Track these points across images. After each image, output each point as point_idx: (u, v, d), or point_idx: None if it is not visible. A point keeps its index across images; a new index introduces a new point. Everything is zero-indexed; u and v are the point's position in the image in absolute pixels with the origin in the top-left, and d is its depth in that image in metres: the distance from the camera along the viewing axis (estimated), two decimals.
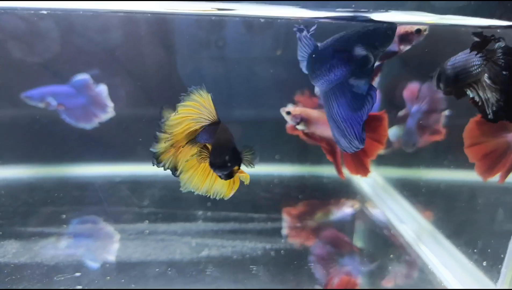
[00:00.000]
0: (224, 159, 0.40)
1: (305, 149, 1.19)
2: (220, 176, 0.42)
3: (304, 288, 0.65)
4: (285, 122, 0.93)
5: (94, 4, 0.53)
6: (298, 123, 0.68)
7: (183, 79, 1.09)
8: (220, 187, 0.46)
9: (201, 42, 1.06)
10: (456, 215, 0.80)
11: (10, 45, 0.91)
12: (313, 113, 0.69)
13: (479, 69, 0.47)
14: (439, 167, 0.87)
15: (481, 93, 0.47)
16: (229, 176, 0.41)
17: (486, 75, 0.46)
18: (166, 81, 1.10)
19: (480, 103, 0.48)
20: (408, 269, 0.75)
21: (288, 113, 0.70)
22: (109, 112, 0.92)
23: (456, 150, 0.79)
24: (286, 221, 0.90)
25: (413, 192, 0.95)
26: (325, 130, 0.67)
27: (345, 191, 1.09)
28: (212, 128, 0.44)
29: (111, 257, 0.72)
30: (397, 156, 1.01)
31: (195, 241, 0.78)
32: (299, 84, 1.12)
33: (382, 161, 1.13)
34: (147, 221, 0.85)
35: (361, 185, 1.11)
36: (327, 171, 1.17)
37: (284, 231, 0.85)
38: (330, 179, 1.15)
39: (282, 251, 0.77)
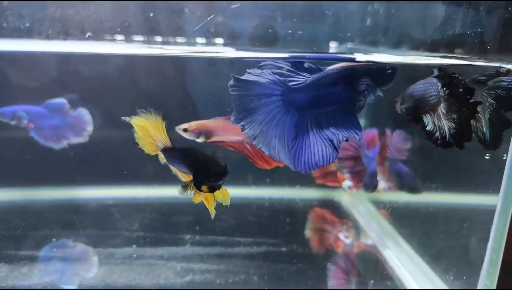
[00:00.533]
0: (221, 169, 0.44)
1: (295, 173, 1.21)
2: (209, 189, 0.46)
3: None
4: None
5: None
6: (198, 137, 0.70)
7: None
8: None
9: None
10: (436, 240, 0.82)
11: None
12: (209, 123, 0.70)
13: (436, 99, 0.50)
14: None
15: (436, 121, 0.50)
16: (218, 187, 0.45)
17: (442, 105, 0.49)
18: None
19: (433, 130, 0.50)
20: None
21: (185, 130, 0.72)
22: (84, 136, 0.94)
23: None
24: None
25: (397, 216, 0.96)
26: (227, 135, 0.68)
27: (337, 214, 1.11)
28: (176, 153, 0.48)
29: (96, 282, 0.73)
30: None
31: (180, 266, 0.80)
32: None
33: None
34: (134, 245, 0.87)
35: (351, 211, 1.13)
36: (316, 194, 1.20)
37: (269, 255, 0.86)
38: (320, 203, 1.17)
39: (265, 276, 0.78)
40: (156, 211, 1.05)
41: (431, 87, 0.51)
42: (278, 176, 1.19)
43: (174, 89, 1.06)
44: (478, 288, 0.65)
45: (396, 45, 0.71)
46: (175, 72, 1.05)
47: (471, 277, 0.65)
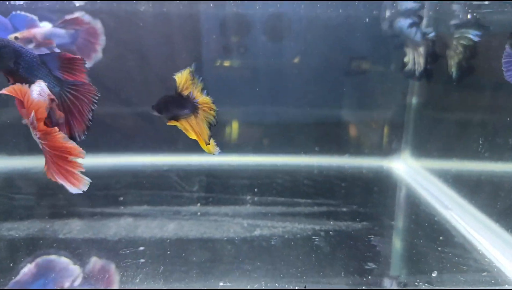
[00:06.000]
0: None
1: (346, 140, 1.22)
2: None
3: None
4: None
5: None
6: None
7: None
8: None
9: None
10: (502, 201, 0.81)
11: None
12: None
13: None
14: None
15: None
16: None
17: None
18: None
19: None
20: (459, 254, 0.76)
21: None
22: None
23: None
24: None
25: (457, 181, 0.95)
26: None
27: (386, 181, 1.11)
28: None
29: (170, 235, 0.75)
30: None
31: (246, 222, 0.81)
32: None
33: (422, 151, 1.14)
34: (198, 204, 0.89)
35: (402, 176, 1.12)
36: (367, 162, 1.19)
37: (331, 214, 0.87)
38: (369, 170, 1.16)
39: (330, 232, 0.79)
40: (211, 175, 1.07)
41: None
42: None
43: None
44: None
45: None
46: None
47: None
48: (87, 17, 0.87)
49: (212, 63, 1.12)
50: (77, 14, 0.86)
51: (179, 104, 0.52)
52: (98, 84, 0.50)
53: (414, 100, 1.16)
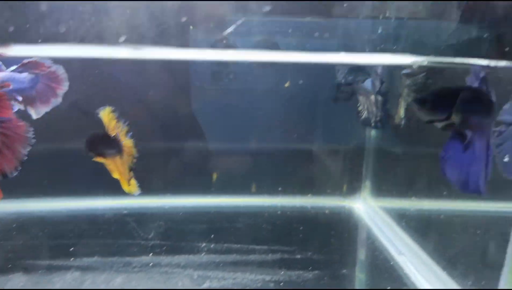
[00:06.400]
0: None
1: (309, 180, 1.22)
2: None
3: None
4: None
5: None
6: None
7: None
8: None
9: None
10: (452, 246, 0.82)
11: None
12: None
13: None
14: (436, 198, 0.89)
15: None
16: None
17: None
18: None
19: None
20: None
21: None
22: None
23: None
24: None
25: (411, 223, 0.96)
26: None
27: (345, 223, 1.11)
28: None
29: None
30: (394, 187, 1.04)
31: (197, 274, 0.81)
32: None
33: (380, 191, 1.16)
34: (151, 253, 0.88)
35: (362, 216, 1.13)
36: (329, 202, 1.20)
37: (284, 262, 0.86)
38: (332, 211, 1.17)
39: (281, 283, 0.78)
40: (170, 220, 1.06)
41: None
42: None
43: None
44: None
45: None
46: None
47: (490, 282, 0.65)
48: (47, 62, 0.88)
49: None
50: (36, 58, 0.87)
51: (107, 143, 0.54)
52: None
53: (373, 134, 1.17)
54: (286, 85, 1.14)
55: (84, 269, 0.81)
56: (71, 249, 0.88)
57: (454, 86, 0.54)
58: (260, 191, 1.20)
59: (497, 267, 0.64)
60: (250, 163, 1.23)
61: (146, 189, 1.14)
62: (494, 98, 0.52)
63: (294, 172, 1.24)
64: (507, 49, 0.56)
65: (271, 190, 1.20)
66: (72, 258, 0.85)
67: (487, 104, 0.52)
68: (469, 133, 0.51)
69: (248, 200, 1.18)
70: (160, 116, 1.14)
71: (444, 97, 0.53)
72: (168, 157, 1.17)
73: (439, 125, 0.54)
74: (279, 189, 1.20)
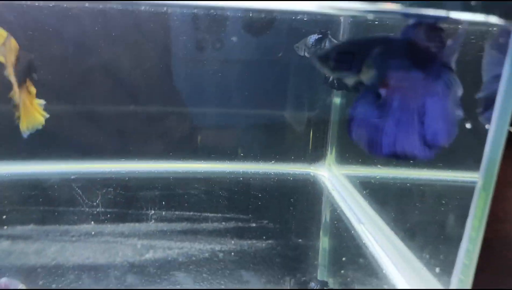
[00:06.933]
0: None
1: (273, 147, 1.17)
2: None
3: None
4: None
5: None
6: None
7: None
8: None
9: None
10: (412, 216, 0.78)
11: None
12: None
13: None
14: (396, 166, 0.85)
15: None
16: None
17: None
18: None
19: None
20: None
21: None
22: None
23: None
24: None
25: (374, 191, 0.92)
26: None
27: (307, 191, 1.06)
28: None
29: (45, 262, 0.68)
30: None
31: (140, 243, 0.75)
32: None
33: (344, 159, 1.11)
34: (92, 222, 0.81)
35: (326, 184, 1.08)
36: (293, 169, 1.15)
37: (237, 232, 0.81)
38: (296, 178, 1.12)
39: (231, 253, 0.73)
40: (120, 186, 0.99)
41: None
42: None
43: None
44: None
45: None
46: None
47: (449, 256, 0.61)
48: None
49: None
50: None
51: None
52: None
53: (337, 101, 1.12)
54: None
55: (15, 238, 0.74)
56: (3, 217, 0.80)
57: (366, 38, 0.47)
58: (221, 157, 1.13)
59: (456, 240, 0.59)
60: (212, 128, 1.16)
61: (98, 153, 1.08)
62: (439, 53, 0.44)
63: (257, 138, 1.18)
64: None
65: (232, 155, 1.14)
66: (5, 227, 0.78)
67: (416, 59, 0.44)
68: (383, 92, 0.44)
69: (208, 166, 1.12)
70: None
71: (351, 52, 0.45)
72: (126, 121, 1.09)
73: (349, 82, 0.47)
74: (241, 154, 1.15)
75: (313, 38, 0.87)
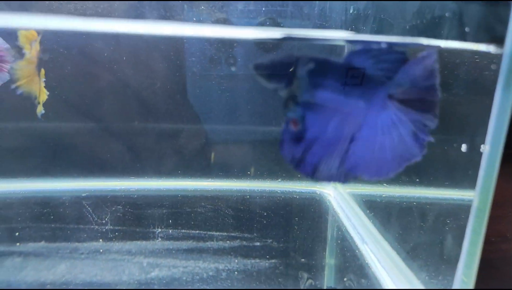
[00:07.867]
0: None
1: (280, 164, 1.18)
2: None
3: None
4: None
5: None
6: None
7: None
8: None
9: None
10: (414, 236, 0.78)
11: None
12: None
13: None
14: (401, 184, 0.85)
15: None
16: None
17: None
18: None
19: None
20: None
21: None
22: None
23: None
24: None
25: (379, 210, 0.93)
26: None
27: (313, 209, 1.07)
28: None
29: (55, 278, 0.70)
30: None
31: (146, 261, 0.77)
32: None
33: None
34: (101, 239, 0.83)
35: (331, 202, 1.09)
36: (299, 187, 1.16)
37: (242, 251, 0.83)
38: (301, 195, 1.13)
39: (235, 272, 0.75)
40: (128, 204, 1.01)
41: None
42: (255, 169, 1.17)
43: None
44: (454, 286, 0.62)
45: None
46: None
47: (446, 276, 0.62)
48: None
49: None
50: None
51: None
52: None
53: None
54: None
55: (27, 254, 0.76)
56: (17, 234, 0.83)
57: (304, 55, 0.47)
58: (228, 175, 1.15)
59: (454, 261, 0.60)
60: (219, 146, 1.18)
61: (109, 170, 1.11)
62: (387, 85, 0.44)
63: (264, 156, 1.19)
64: (467, 29, 0.51)
65: (240, 174, 1.16)
66: (18, 243, 0.80)
67: (353, 85, 0.45)
68: (299, 109, 0.45)
69: (215, 184, 1.14)
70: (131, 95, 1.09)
71: (286, 63, 0.46)
72: (135, 139, 1.12)
73: (282, 94, 0.47)
74: (248, 173, 1.16)
75: None
